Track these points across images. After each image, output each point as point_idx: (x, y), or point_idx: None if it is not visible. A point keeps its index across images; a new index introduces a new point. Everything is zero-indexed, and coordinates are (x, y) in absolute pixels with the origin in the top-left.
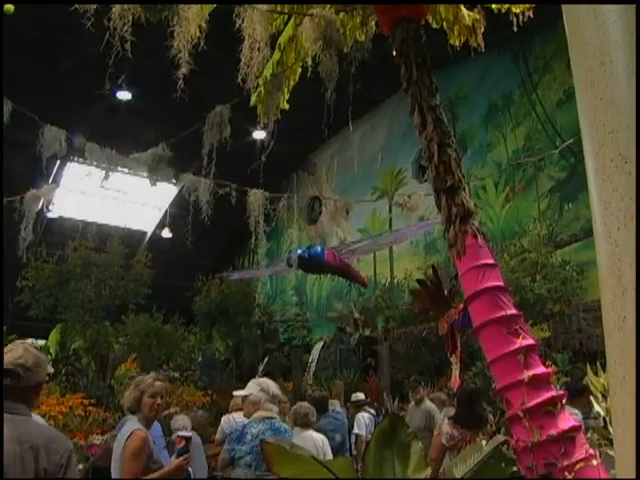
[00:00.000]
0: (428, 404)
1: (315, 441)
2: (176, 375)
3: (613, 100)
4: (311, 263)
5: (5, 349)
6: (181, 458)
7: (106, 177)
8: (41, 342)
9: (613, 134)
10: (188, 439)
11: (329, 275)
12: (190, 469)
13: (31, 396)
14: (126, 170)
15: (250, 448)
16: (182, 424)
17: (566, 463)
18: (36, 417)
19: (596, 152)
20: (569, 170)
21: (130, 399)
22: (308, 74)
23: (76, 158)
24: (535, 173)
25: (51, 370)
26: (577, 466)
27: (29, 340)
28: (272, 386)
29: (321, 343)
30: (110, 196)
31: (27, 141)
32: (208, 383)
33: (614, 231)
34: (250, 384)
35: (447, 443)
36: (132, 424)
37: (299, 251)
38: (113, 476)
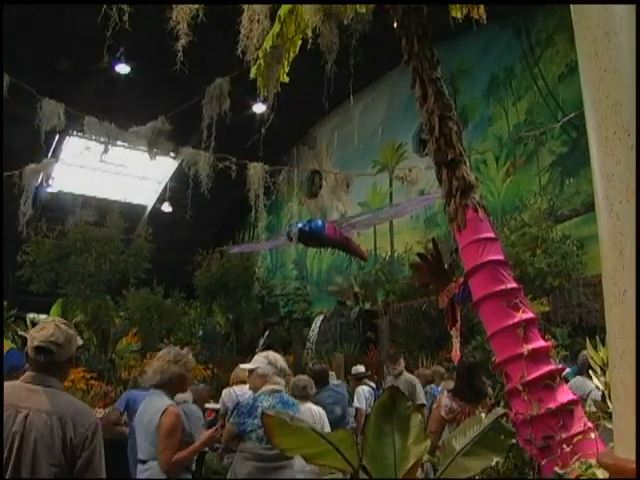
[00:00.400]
0: (408, 376)
1: (313, 413)
2: (168, 348)
3: (617, 72)
4: (312, 237)
5: (37, 327)
6: (213, 429)
7: (105, 151)
8: (42, 317)
9: (616, 106)
10: (218, 411)
11: (329, 249)
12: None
13: (64, 370)
14: (125, 144)
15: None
16: (183, 397)
17: (564, 436)
18: None
19: (599, 125)
20: (570, 144)
21: (174, 374)
22: (308, 46)
23: (75, 132)
24: (536, 147)
25: (80, 342)
26: (575, 439)
27: (31, 315)
28: (279, 359)
29: (321, 317)
30: (110, 170)
31: (26, 115)
32: (209, 357)
33: (616, 204)
34: (257, 357)
35: (446, 416)
36: (161, 399)
37: (300, 225)
38: (140, 448)
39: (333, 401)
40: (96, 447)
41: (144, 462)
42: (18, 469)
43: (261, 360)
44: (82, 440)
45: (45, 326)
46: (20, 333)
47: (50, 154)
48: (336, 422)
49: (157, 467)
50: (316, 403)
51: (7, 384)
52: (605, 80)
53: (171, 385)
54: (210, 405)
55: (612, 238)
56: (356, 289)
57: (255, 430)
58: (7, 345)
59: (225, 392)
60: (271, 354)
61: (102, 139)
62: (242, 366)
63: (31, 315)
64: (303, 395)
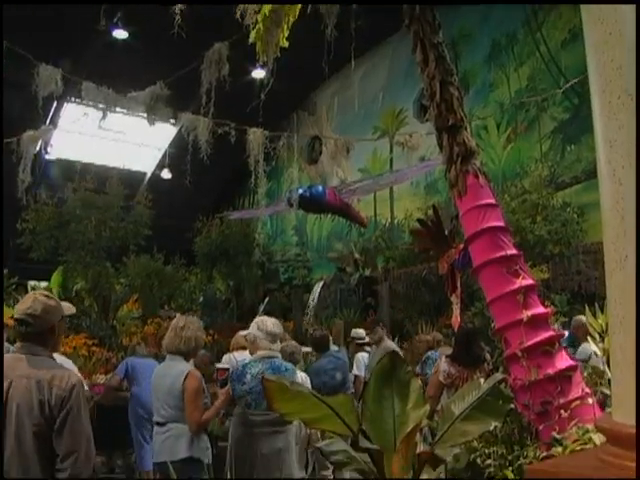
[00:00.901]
0: (388, 343)
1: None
2: (178, 315)
3: (622, 35)
4: (312, 202)
5: (21, 301)
6: (226, 387)
7: (104, 117)
8: (43, 284)
9: (621, 70)
10: (228, 370)
11: (329, 215)
12: None
13: (47, 338)
14: (124, 110)
15: (250, 388)
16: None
17: (562, 401)
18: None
19: (603, 89)
20: (572, 111)
21: (201, 341)
22: (308, 10)
23: (73, 99)
24: (538, 114)
25: (70, 311)
26: (573, 404)
27: (32, 282)
28: (268, 323)
29: (321, 283)
30: (108, 137)
31: (23, 81)
32: (209, 323)
33: (619, 170)
34: (252, 323)
35: (445, 381)
36: (181, 364)
37: (300, 190)
38: (158, 411)
39: (333, 367)
40: (73, 407)
41: (162, 424)
42: (3, 430)
43: (253, 325)
44: (59, 402)
45: (25, 299)
46: None
47: (48, 121)
48: (336, 388)
49: (177, 429)
50: (318, 369)
51: (4, 357)
52: (610, 43)
53: (195, 351)
54: (221, 365)
55: (614, 204)
56: (356, 255)
57: (244, 396)
58: (8, 313)
59: (225, 358)
60: (261, 319)
61: (100, 105)
62: (241, 333)
63: (32, 282)
64: (290, 361)
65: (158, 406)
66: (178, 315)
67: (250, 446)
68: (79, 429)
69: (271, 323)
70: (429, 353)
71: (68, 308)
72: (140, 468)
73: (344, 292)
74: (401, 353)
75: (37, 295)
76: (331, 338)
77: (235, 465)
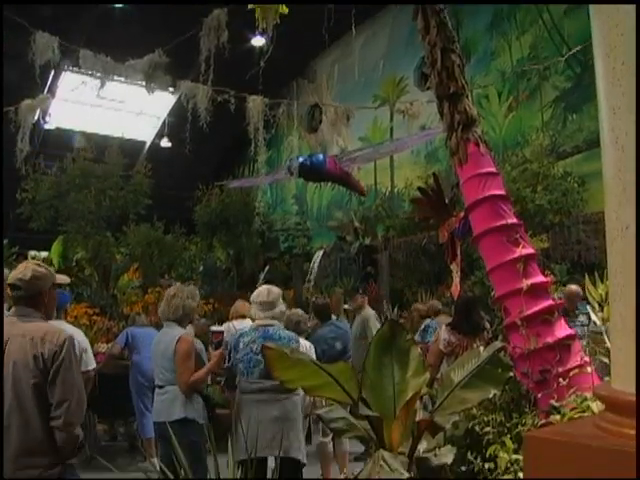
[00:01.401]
0: (366, 312)
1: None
2: (178, 284)
3: None
4: (312, 171)
5: (15, 269)
6: (220, 349)
7: (102, 86)
8: (44, 254)
9: (625, 35)
10: (222, 333)
11: (329, 184)
12: None
13: (38, 302)
14: (122, 78)
15: (241, 356)
16: (186, 331)
17: (561, 370)
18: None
19: (607, 54)
20: (574, 80)
21: (192, 309)
22: None
23: (71, 67)
24: (540, 82)
25: (63, 281)
26: (571, 372)
27: (32, 252)
28: (255, 292)
29: (321, 252)
30: (107, 106)
31: (21, 51)
32: (209, 292)
33: (622, 137)
34: None
35: (445, 349)
36: (175, 330)
37: (301, 159)
38: (157, 375)
39: (334, 336)
40: (64, 359)
41: (162, 387)
42: (2, 385)
43: None
44: (52, 355)
45: (18, 267)
46: None
47: (46, 90)
48: (337, 357)
49: (174, 391)
50: (319, 338)
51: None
52: (614, 7)
53: (186, 318)
54: (216, 328)
55: (616, 171)
56: (356, 224)
57: (237, 364)
58: None
59: (225, 326)
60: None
61: (98, 74)
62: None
63: (32, 252)
64: (295, 330)
65: (157, 371)
66: (178, 284)
67: (246, 412)
68: (71, 380)
69: (257, 292)
70: (428, 321)
71: (62, 279)
72: (142, 435)
73: (344, 261)
74: (374, 322)
75: (29, 263)
76: None
77: (235, 430)
